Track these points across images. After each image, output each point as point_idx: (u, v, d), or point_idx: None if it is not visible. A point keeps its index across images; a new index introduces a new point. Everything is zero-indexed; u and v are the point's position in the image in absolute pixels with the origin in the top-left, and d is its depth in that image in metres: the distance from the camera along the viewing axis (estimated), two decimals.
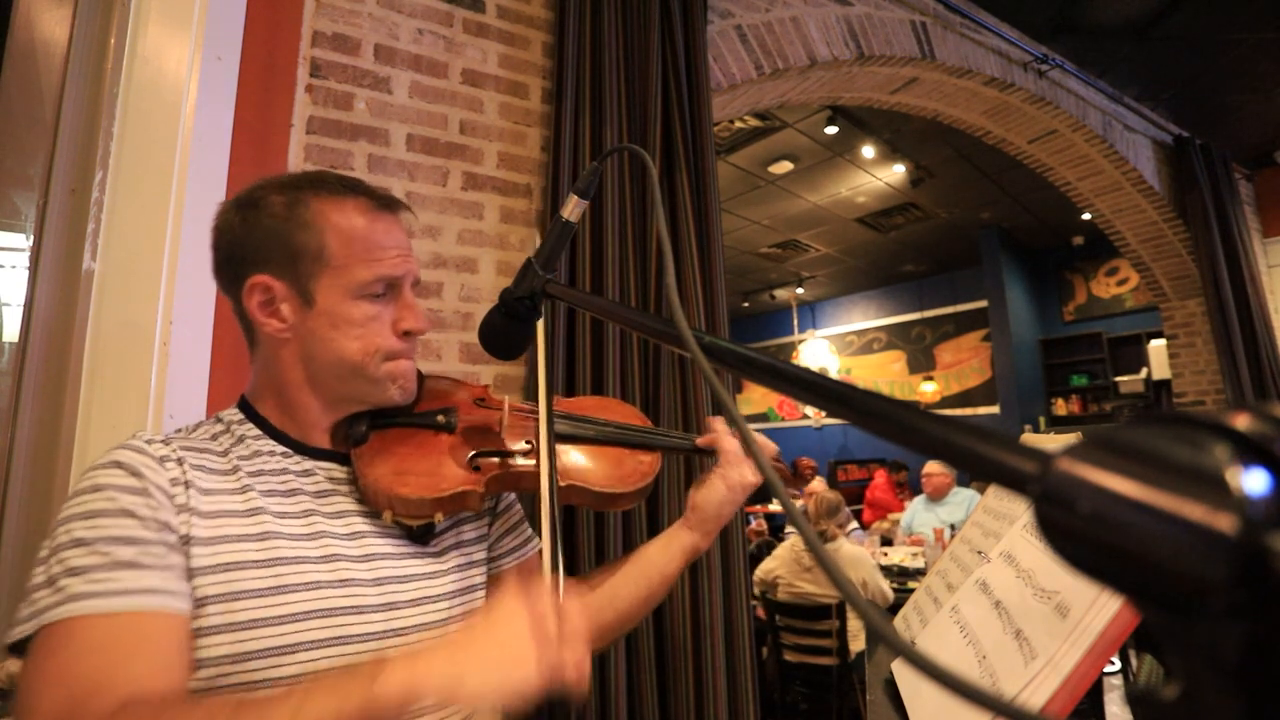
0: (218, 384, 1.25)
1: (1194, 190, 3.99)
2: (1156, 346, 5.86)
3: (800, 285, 8.59)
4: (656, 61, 1.83)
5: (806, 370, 0.39)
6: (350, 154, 1.52)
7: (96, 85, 1.25)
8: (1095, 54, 3.47)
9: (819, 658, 2.80)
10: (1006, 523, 0.86)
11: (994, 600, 0.73)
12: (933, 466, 4.33)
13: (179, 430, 0.72)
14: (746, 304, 9.47)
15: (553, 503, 0.66)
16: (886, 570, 3.37)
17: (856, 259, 7.60)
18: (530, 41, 1.83)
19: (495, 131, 1.74)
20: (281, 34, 1.46)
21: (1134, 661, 0.99)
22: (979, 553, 0.88)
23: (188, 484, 0.62)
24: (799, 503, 4.30)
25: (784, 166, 5.11)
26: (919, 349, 8.19)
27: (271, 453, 0.70)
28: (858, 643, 2.73)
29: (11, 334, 1.18)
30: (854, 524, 3.62)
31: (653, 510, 1.61)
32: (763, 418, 9.74)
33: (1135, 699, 0.20)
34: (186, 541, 0.60)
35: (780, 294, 8.91)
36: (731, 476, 0.87)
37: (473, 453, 0.77)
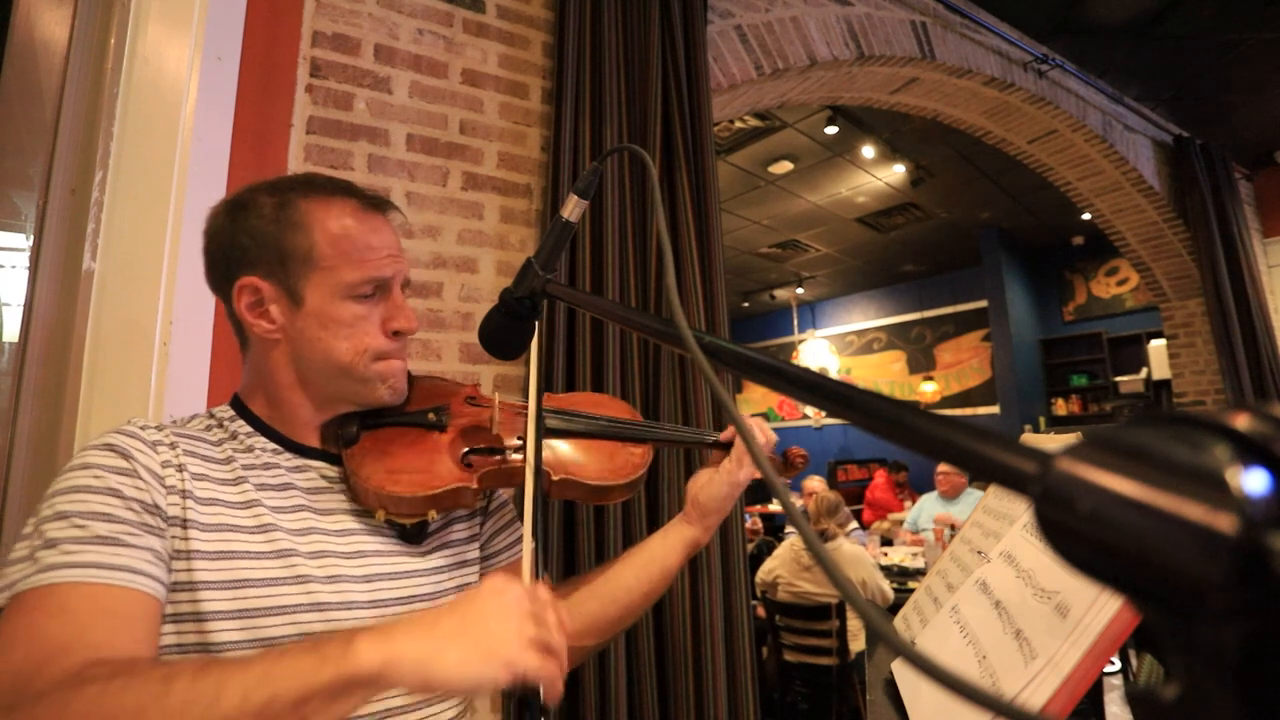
0: (217, 384, 1.25)
1: (1194, 190, 3.99)
2: (1156, 346, 5.86)
3: (800, 285, 8.59)
4: (656, 61, 1.83)
5: (806, 370, 0.39)
6: (350, 154, 1.52)
7: (96, 85, 1.25)
8: (1095, 54, 3.47)
9: (819, 657, 2.80)
10: (1006, 523, 0.86)
11: (994, 600, 0.73)
12: (948, 464, 4.34)
13: (173, 420, 0.73)
14: (746, 304, 9.47)
15: (537, 497, 0.66)
16: (886, 570, 3.37)
17: (856, 259, 7.60)
18: (530, 41, 1.83)
19: (495, 131, 1.74)
20: (281, 34, 1.46)
21: (1134, 661, 0.99)
22: (979, 553, 0.88)
23: (180, 467, 0.63)
24: (799, 503, 4.31)
25: (784, 166, 5.11)
26: (919, 349, 8.19)
27: (264, 449, 0.71)
28: (858, 643, 2.73)
29: (11, 334, 1.18)
30: (854, 524, 3.62)
31: (653, 507, 1.61)
32: (763, 418, 9.72)
33: (1135, 699, 0.20)
34: (184, 525, 0.61)
35: (780, 294, 8.91)
36: (738, 476, 0.88)
37: (465, 449, 0.78)
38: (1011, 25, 3.21)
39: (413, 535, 0.75)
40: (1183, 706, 0.18)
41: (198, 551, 0.61)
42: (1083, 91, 3.56)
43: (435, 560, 0.76)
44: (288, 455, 0.72)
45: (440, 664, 0.49)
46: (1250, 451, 0.17)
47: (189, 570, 0.60)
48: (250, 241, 0.70)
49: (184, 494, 0.62)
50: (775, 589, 2.98)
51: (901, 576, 3.36)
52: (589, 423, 0.87)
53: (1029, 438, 0.98)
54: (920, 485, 5.76)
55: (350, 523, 0.71)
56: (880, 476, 6.65)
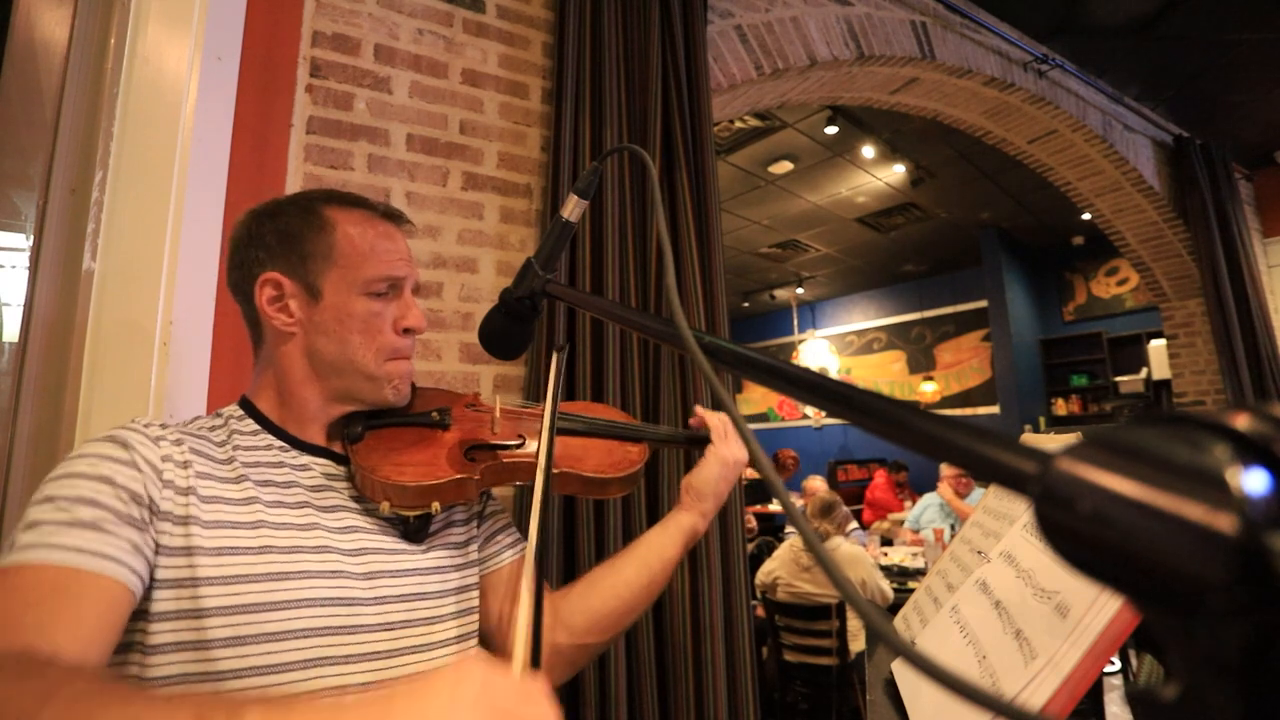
0: (218, 384, 1.25)
1: (1194, 190, 3.99)
2: (1156, 346, 5.86)
3: (800, 285, 8.59)
4: (656, 61, 1.83)
5: (806, 370, 0.39)
6: (350, 154, 1.52)
7: (96, 85, 1.25)
8: (1095, 54, 3.47)
9: (819, 657, 2.80)
10: (1006, 523, 0.86)
11: (994, 600, 0.73)
12: (948, 464, 4.33)
13: (175, 421, 0.74)
14: (746, 304, 9.47)
15: (546, 491, 0.66)
16: (886, 570, 3.37)
17: (856, 259, 7.60)
18: (530, 41, 1.83)
19: (495, 131, 1.74)
20: (281, 34, 1.46)
21: (1134, 661, 0.99)
22: (979, 553, 0.88)
23: (186, 464, 0.64)
24: (799, 503, 4.31)
25: (784, 166, 5.11)
26: (919, 349, 8.19)
27: (269, 446, 0.72)
28: (858, 643, 2.73)
29: (11, 334, 1.18)
30: (854, 524, 3.62)
31: (653, 506, 1.61)
32: (763, 418, 9.74)
33: (1135, 699, 0.20)
34: (185, 521, 0.61)
35: (780, 294, 8.91)
36: (722, 452, 0.90)
37: (469, 445, 0.81)
38: (1011, 25, 3.21)
39: (415, 532, 0.76)
40: (1183, 706, 0.18)
41: (199, 548, 0.61)
42: (1083, 91, 3.56)
43: (438, 559, 0.77)
44: (294, 453, 0.73)
45: None
46: (1250, 451, 0.17)
47: (190, 566, 0.60)
48: (275, 240, 0.74)
49: (187, 490, 0.63)
50: (775, 590, 2.98)
51: (901, 576, 3.36)
52: (587, 423, 0.91)
53: (1029, 438, 0.98)
54: (920, 485, 5.76)
55: (353, 520, 0.72)
56: (880, 476, 6.64)
